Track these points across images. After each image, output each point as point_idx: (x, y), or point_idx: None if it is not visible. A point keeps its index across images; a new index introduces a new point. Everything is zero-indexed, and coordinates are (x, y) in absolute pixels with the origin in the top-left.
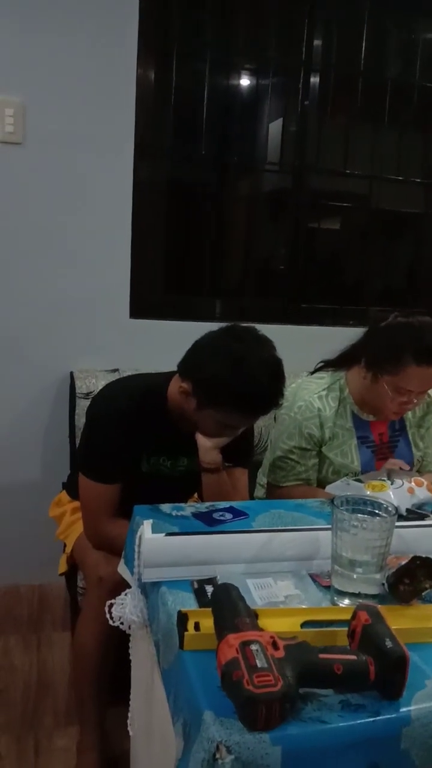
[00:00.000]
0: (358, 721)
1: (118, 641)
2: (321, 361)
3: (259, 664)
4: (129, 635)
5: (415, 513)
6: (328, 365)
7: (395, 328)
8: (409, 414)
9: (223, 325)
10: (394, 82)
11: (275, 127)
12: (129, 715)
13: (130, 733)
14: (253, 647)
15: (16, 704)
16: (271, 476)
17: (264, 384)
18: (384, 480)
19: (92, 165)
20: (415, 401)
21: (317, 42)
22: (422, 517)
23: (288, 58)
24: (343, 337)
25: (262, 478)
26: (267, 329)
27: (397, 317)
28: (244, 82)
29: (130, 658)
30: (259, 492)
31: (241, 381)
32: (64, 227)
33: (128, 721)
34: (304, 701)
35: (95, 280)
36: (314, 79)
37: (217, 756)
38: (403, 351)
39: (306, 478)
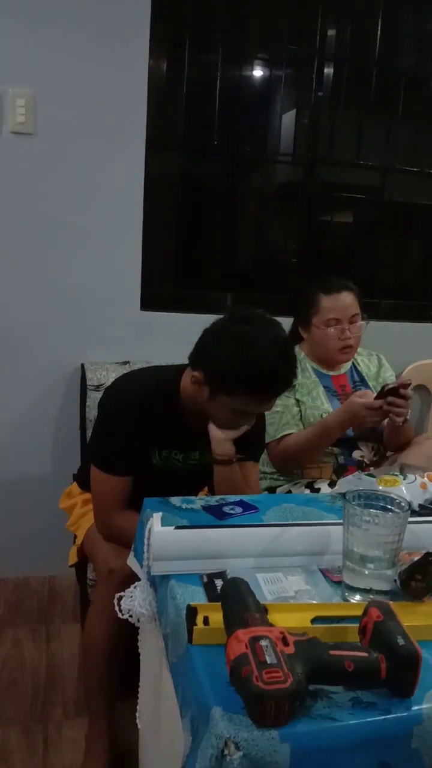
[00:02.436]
0: (369, 719)
1: (128, 634)
2: None
3: (268, 660)
4: (138, 628)
5: (428, 508)
6: None
7: (309, 286)
8: (364, 367)
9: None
10: (408, 72)
11: (288, 119)
12: (138, 708)
13: (139, 726)
14: (263, 643)
15: (26, 696)
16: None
17: (274, 365)
18: (396, 475)
19: (104, 156)
20: (348, 328)
21: (331, 32)
22: None
23: (301, 48)
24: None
25: (262, 467)
26: (280, 321)
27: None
28: (257, 72)
29: (139, 651)
30: (263, 484)
31: (251, 364)
32: (75, 218)
33: (137, 714)
34: (314, 698)
35: (106, 273)
36: (328, 70)
37: (226, 752)
38: (314, 293)
39: (296, 424)
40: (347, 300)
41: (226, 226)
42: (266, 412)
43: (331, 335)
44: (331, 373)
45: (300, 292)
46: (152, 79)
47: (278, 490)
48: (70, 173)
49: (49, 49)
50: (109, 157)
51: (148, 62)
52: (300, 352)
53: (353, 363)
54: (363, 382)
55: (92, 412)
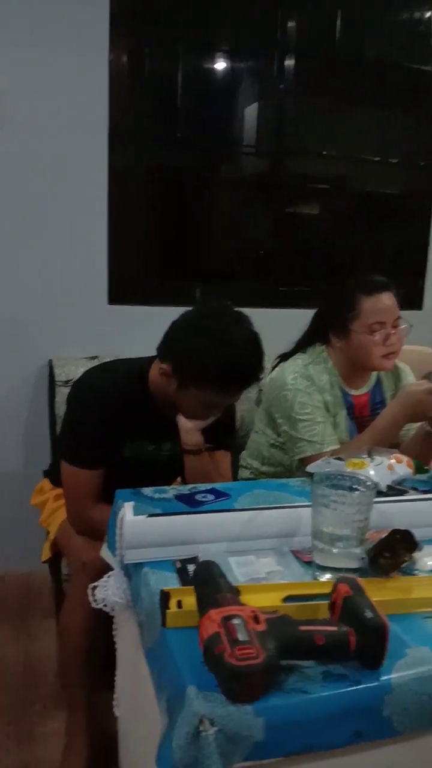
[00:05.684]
0: (340, 690)
1: (104, 626)
2: (278, 356)
3: (240, 638)
4: (114, 618)
5: (395, 489)
6: (297, 349)
7: (343, 285)
8: (387, 386)
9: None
10: (371, 62)
11: (253, 110)
12: (114, 696)
13: (116, 714)
14: (235, 621)
15: (6, 692)
16: (306, 450)
17: (248, 362)
18: (364, 457)
19: (67, 149)
20: (393, 332)
21: (291, 24)
22: (402, 493)
23: (262, 40)
24: None
25: (246, 460)
26: (250, 313)
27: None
28: (219, 65)
29: (115, 640)
30: (244, 473)
31: (224, 360)
32: (38, 212)
33: (114, 703)
34: (287, 673)
35: (72, 267)
36: (289, 62)
37: (201, 729)
38: (353, 294)
39: (338, 439)
40: (390, 301)
41: (195, 218)
42: (302, 426)
43: (376, 341)
44: (353, 392)
45: (330, 293)
46: (114, 71)
47: None
48: (32, 166)
49: (9, 41)
50: (72, 149)
51: (109, 54)
52: (328, 360)
53: (378, 379)
54: (383, 405)
55: (61, 408)
